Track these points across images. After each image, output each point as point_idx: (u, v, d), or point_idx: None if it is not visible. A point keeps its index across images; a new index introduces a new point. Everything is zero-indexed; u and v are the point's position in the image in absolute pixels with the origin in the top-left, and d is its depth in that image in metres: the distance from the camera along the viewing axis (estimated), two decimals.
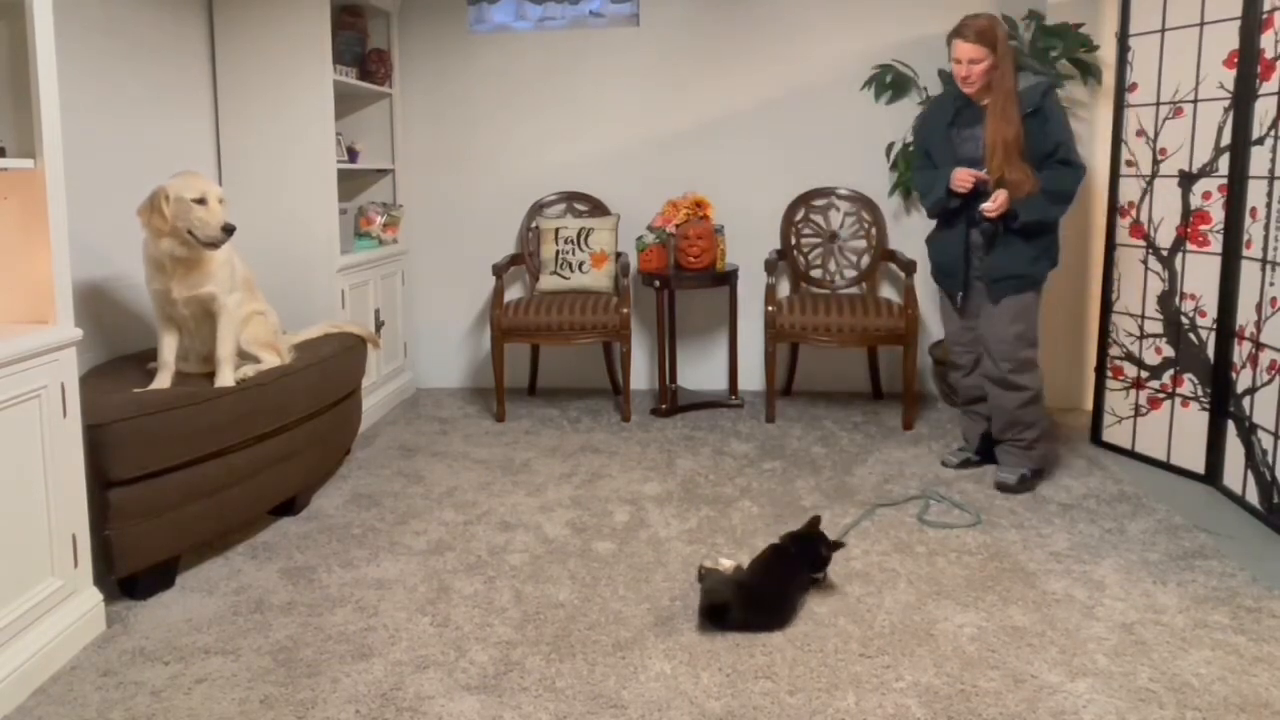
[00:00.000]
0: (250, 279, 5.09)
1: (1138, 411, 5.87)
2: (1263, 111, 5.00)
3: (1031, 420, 5.41)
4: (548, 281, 7.27)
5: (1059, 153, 5.12)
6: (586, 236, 7.23)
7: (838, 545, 4.29)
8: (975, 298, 5.49)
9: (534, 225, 7.53)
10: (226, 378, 4.64)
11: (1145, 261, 5.75)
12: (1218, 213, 5.32)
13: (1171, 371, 5.64)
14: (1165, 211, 5.63)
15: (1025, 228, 5.19)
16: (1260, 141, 5.02)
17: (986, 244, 5.34)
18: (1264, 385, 4.92)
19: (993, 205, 5.12)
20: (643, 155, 7.64)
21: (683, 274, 6.96)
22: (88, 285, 4.97)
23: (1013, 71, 5.16)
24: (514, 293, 7.72)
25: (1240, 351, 5.17)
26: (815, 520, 4.32)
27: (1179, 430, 5.63)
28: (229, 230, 4.57)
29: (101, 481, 3.96)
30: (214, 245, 4.59)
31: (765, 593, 3.98)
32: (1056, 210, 5.21)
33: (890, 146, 7.30)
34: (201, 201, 4.53)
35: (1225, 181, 5.26)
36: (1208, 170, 5.36)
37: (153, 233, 4.54)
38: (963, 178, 5.20)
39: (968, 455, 5.81)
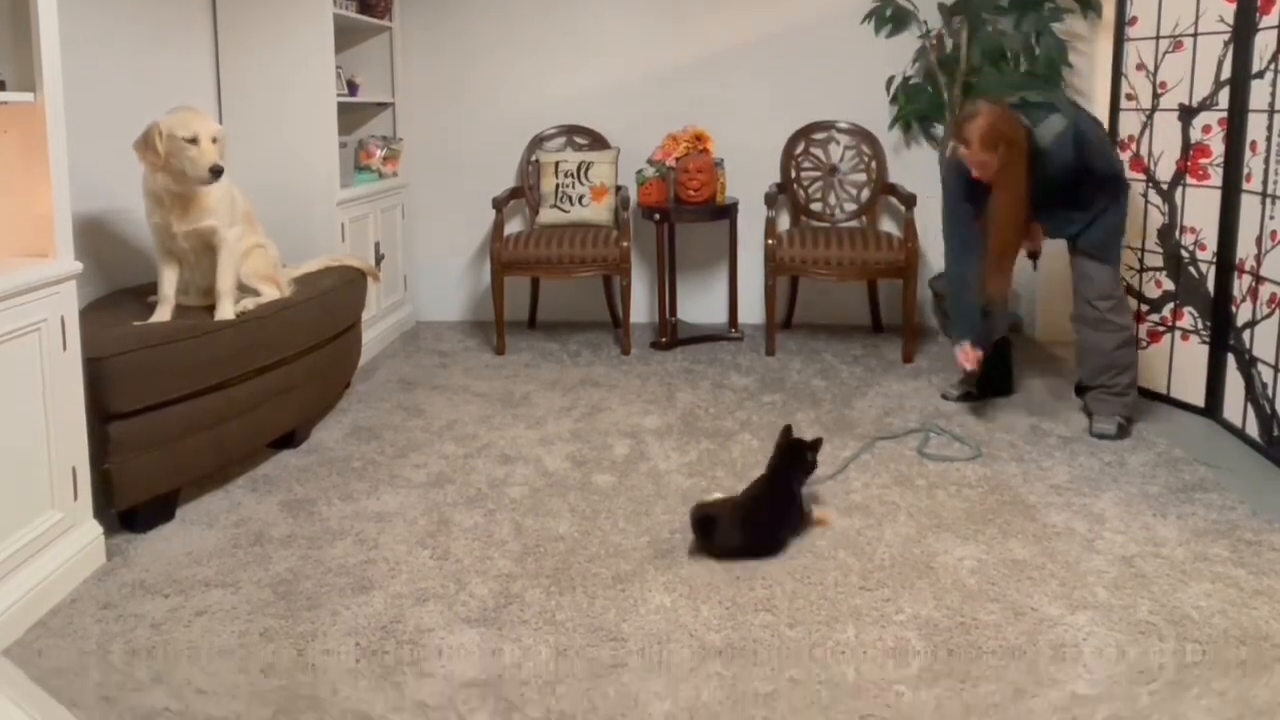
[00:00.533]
0: (250, 212, 5.06)
1: (1138, 345, 5.86)
2: (1263, 45, 4.95)
3: (1128, 363, 5.24)
4: (547, 215, 7.25)
5: (1108, 171, 5.10)
6: (586, 170, 7.19)
7: (817, 442, 4.31)
8: None
9: (534, 159, 7.49)
10: (226, 311, 4.62)
11: (1145, 195, 5.72)
12: (1218, 146, 5.28)
13: (1172, 305, 5.62)
14: (1165, 145, 5.59)
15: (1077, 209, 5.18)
16: (1260, 75, 4.98)
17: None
18: (1264, 319, 4.91)
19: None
20: (642, 89, 7.59)
21: (683, 207, 6.94)
22: (88, 219, 4.94)
23: (1024, 170, 4.93)
24: (514, 226, 7.69)
25: (1240, 285, 5.16)
26: (787, 430, 4.33)
27: (1179, 364, 5.62)
28: (216, 172, 4.54)
29: (101, 415, 3.95)
30: (203, 184, 4.58)
31: (758, 513, 4.02)
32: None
33: (890, 80, 7.26)
34: (194, 141, 4.49)
35: (1225, 115, 5.23)
36: (1208, 104, 5.32)
37: (148, 168, 4.53)
38: (967, 358, 5.41)
39: (968, 388, 5.77)
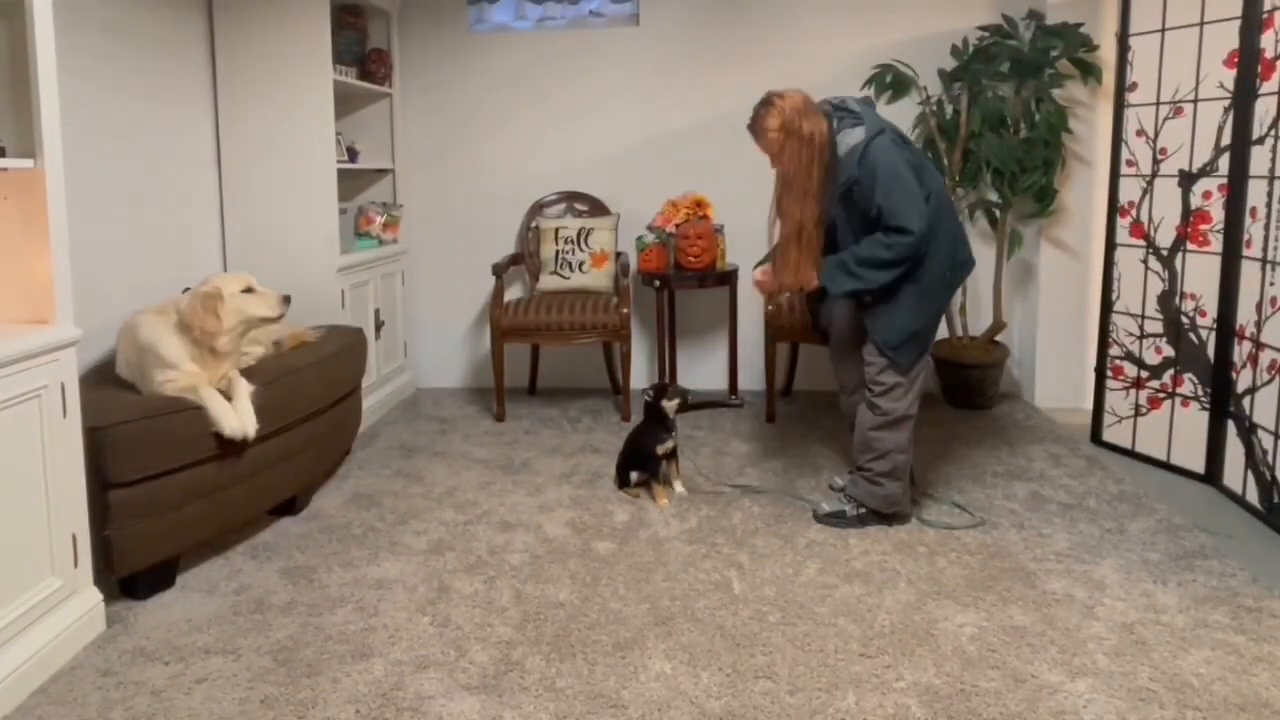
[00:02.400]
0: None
1: (1138, 411, 5.87)
2: (1263, 111, 5.00)
3: (884, 450, 4.86)
4: (548, 281, 7.27)
5: (883, 219, 4.57)
6: (586, 236, 7.23)
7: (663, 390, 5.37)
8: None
9: (534, 225, 7.53)
10: (249, 426, 4.54)
11: (1145, 261, 5.75)
12: (1218, 212, 5.32)
13: (1172, 371, 5.64)
14: (1165, 211, 5.63)
15: (851, 296, 4.86)
16: (1260, 141, 5.02)
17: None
18: (1264, 385, 4.92)
19: (761, 276, 5.06)
20: (643, 155, 7.64)
21: (683, 274, 6.96)
22: (88, 285, 4.96)
23: (812, 170, 4.67)
24: (514, 292, 7.72)
25: (1240, 351, 5.18)
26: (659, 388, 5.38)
27: (1179, 430, 5.63)
28: (287, 300, 4.73)
29: (102, 482, 3.96)
30: (278, 319, 4.74)
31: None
32: (873, 276, 4.64)
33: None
34: (248, 290, 4.60)
35: (1225, 181, 5.26)
36: (1208, 170, 5.36)
37: (207, 335, 4.44)
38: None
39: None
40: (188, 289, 4.82)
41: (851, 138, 4.63)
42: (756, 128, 4.76)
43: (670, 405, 5.28)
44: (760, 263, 5.35)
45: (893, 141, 4.67)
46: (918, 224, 4.50)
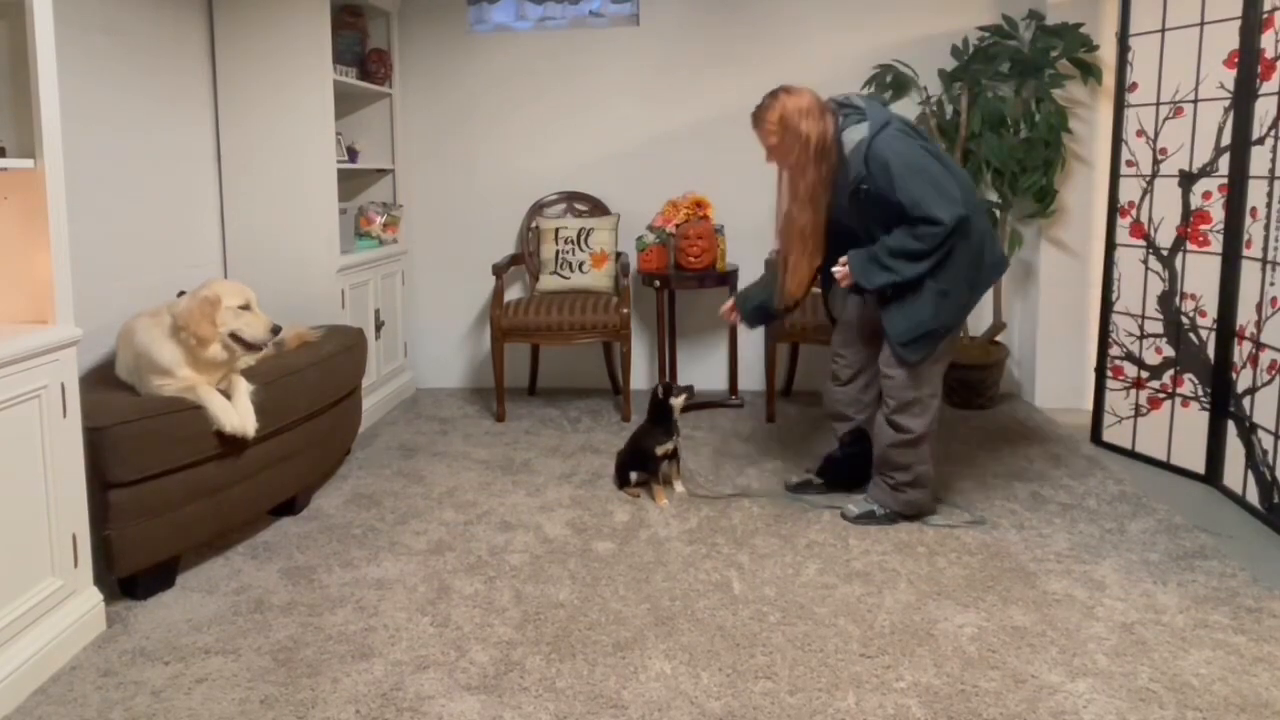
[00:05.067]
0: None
1: (1138, 411, 5.87)
2: (1263, 111, 5.00)
3: (904, 464, 4.88)
4: (548, 281, 7.28)
5: (908, 212, 4.46)
6: (586, 236, 7.23)
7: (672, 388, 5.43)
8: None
9: (534, 225, 7.53)
10: (249, 424, 4.56)
11: (1145, 261, 5.75)
12: (1218, 213, 5.32)
13: (1172, 371, 5.64)
14: (1165, 211, 5.63)
15: (879, 293, 4.71)
16: (1260, 141, 5.02)
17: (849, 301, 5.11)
18: (1264, 385, 4.92)
19: (840, 271, 4.78)
20: (643, 155, 7.64)
21: (683, 274, 6.97)
22: (88, 285, 4.95)
23: (815, 171, 4.66)
24: (514, 293, 7.73)
25: (1240, 351, 5.18)
26: (665, 388, 5.42)
27: (1179, 430, 5.63)
28: (276, 331, 4.66)
29: (102, 482, 3.97)
30: (259, 348, 4.65)
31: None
32: (905, 268, 4.54)
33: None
34: (246, 307, 4.57)
35: (1225, 181, 5.26)
36: (1208, 170, 5.36)
37: (200, 341, 4.42)
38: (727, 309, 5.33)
39: (810, 477, 5.44)
40: (182, 292, 4.81)
41: (855, 134, 4.58)
42: (757, 118, 4.75)
43: (677, 402, 5.32)
44: (728, 302, 5.38)
45: (901, 132, 4.60)
46: (947, 211, 4.41)
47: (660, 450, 5.28)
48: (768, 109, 4.69)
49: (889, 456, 4.89)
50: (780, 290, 4.99)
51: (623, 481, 5.47)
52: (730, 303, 5.31)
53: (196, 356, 4.44)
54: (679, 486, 5.39)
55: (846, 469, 5.32)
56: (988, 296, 7.04)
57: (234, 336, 4.51)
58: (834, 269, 4.80)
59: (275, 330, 4.64)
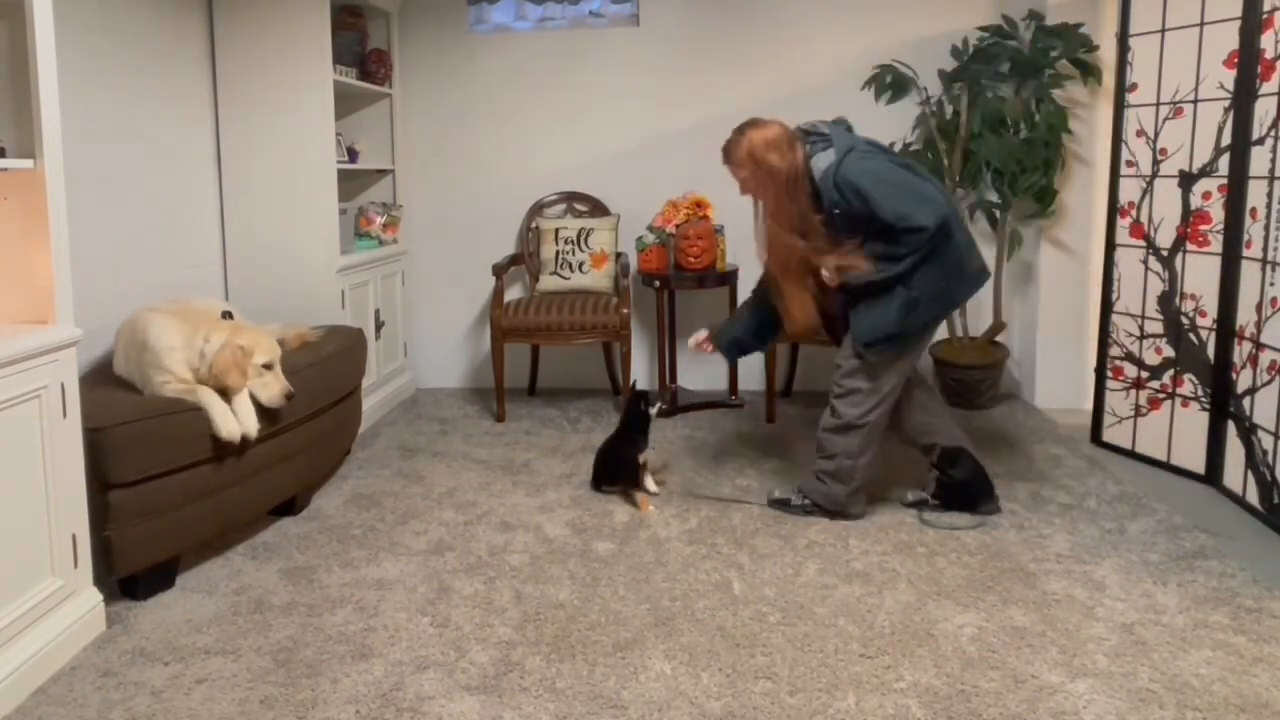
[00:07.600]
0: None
1: (1138, 412, 5.87)
2: (1263, 112, 5.00)
3: (833, 452, 4.92)
4: (548, 281, 7.28)
5: (895, 227, 4.50)
6: (586, 237, 7.23)
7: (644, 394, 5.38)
8: None
9: (534, 225, 7.53)
10: (250, 425, 4.56)
11: (1145, 262, 5.75)
12: (1218, 213, 5.31)
13: (1171, 372, 5.64)
14: (1165, 212, 5.63)
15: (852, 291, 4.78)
16: (1260, 142, 5.02)
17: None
18: (1264, 385, 4.92)
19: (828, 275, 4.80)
20: (643, 155, 7.64)
21: (683, 274, 6.96)
22: (88, 285, 4.95)
23: (784, 199, 4.72)
24: (514, 293, 7.73)
25: (1240, 351, 5.17)
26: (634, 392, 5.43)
27: (1179, 430, 5.63)
28: (290, 398, 4.67)
29: (102, 483, 3.96)
30: (275, 407, 4.67)
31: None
32: (889, 266, 4.58)
33: (890, 146, 7.28)
34: (269, 366, 4.60)
35: (1225, 182, 5.26)
36: (1208, 170, 5.36)
37: (225, 387, 4.46)
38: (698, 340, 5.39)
39: (924, 496, 5.20)
40: (228, 313, 4.86)
41: (823, 161, 4.66)
42: (727, 154, 4.83)
43: (653, 411, 5.34)
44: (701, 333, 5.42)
45: (866, 153, 4.67)
46: (929, 216, 4.47)
47: (642, 458, 5.28)
48: (735, 145, 4.77)
49: (819, 440, 5.00)
50: (789, 323, 5.05)
51: (600, 485, 5.51)
52: (704, 334, 5.37)
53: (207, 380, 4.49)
54: (652, 486, 5.37)
55: (953, 494, 5.09)
56: (988, 297, 7.06)
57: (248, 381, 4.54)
58: (823, 271, 4.80)
59: (289, 397, 4.65)
